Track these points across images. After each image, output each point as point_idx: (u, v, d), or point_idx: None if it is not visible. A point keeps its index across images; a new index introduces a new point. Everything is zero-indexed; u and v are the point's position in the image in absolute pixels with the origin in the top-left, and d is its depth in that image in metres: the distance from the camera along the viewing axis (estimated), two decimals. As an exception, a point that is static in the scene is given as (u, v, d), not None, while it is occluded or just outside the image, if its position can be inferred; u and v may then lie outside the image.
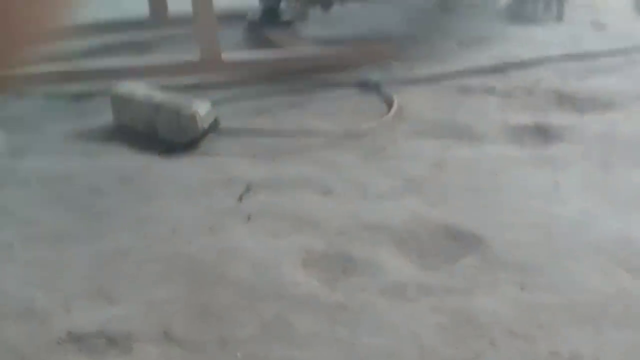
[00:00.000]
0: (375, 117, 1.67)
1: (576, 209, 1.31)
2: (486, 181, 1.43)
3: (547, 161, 1.49)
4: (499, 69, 1.89)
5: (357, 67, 1.92)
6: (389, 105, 1.72)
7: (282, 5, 2.04)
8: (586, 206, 1.32)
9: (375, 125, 1.63)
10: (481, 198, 1.37)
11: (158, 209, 1.36)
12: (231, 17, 2.23)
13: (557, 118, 1.65)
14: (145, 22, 2.21)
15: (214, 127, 1.58)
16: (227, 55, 1.89)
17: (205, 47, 1.84)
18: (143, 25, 2.20)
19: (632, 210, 1.31)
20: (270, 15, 2.02)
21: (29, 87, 1.83)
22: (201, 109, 1.58)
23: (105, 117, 1.69)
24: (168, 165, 1.51)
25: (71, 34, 2.16)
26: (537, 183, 1.41)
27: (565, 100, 1.73)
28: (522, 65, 1.91)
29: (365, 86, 1.83)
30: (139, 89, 1.67)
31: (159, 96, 1.63)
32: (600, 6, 2.30)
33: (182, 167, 1.50)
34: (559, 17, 2.21)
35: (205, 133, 1.57)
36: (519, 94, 1.77)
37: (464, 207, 1.34)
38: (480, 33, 2.14)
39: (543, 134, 1.59)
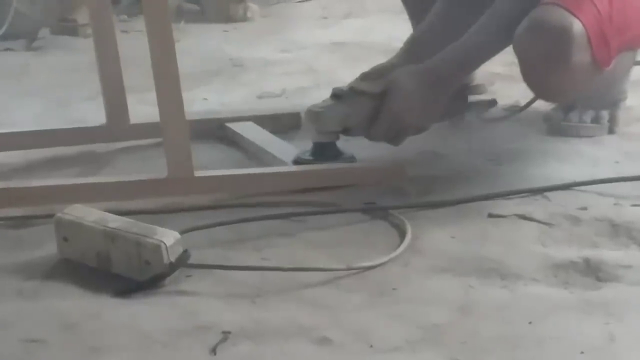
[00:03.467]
0: (384, 250, 1.68)
1: (637, 369, 1.32)
2: (523, 331, 1.43)
3: (599, 307, 1.49)
4: (537, 192, 1.91)
5: (361, 188, 1.95)
6: (401, 235, 1.74)
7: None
8: (650, 365, 1.32)
9: (385, 260, 1.64)
10: (517, 353, 1.36)
11: (109, 366, 1.35)
12: (207, 127, 2.27)
13: (611, 253, 1.66)
14: (101, 131, 2.24)
15: (182, 260, 1.59)
16: (202, 173, 1.91)
17: (174, 162, 1.86)
18: (98, 136, 2.24)
19: None
20: (323, 152, 2.03)
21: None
22: (167, 238, 1.59)
23: (47, 248, 1.70)
24: (124, 309, 1.51)
25: (8, 146, 2.20)
26: (587, 335, 1.41)
27: (620, 231, 1.74)
28: (566, 187, 1.93)
29: (372, 211, 1.85)
30: (90, 214, 1.68)
31: (115, 223, 1.64)
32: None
33: (142, 312, 1.50)
34: (611, 131, 2.24)
35: (171, 268, 1.57)
36: (562, 223, 1.78)
37: (495, 364, 1.34)
38: (514, 148, 2.17)
39: (593, 272, 1.60)
